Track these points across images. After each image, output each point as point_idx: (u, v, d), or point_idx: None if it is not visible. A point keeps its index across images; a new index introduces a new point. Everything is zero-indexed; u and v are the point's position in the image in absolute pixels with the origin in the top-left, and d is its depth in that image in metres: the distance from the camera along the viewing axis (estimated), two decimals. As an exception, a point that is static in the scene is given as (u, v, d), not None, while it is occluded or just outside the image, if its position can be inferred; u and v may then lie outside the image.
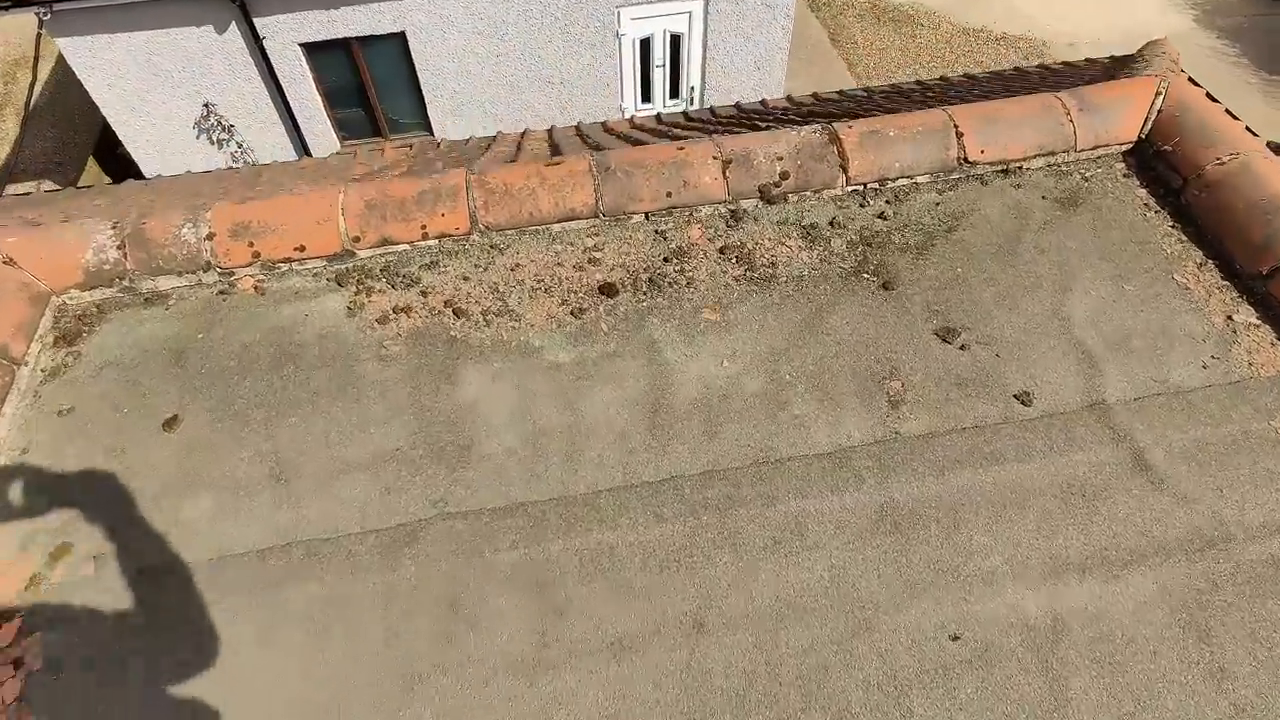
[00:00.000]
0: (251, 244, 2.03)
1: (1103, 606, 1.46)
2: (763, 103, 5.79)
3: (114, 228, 2.03)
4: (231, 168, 6.83)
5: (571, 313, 1.98)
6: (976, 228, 2.12)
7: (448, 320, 1.97)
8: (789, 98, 5.80)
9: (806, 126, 2.21)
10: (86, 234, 2.02)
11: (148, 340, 1.95)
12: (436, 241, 2.11)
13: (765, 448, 1.70)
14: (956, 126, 2.19)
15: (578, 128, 5.39)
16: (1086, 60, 5.96)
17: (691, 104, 9.85)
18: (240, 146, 8.97)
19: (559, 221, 2.13)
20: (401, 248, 2.10)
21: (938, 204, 2.18)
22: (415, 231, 2.08)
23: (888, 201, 2.19)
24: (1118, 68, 4.40)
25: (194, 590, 1.53)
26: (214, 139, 8.81)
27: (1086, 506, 1.59)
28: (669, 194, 2.13)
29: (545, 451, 1.72)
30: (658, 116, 5.72)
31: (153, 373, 1.88)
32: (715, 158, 2.14)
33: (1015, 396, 1.77)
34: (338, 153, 9.43)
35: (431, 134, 9.53)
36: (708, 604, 1.49)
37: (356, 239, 2.06)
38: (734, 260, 2.07)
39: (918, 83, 5.88)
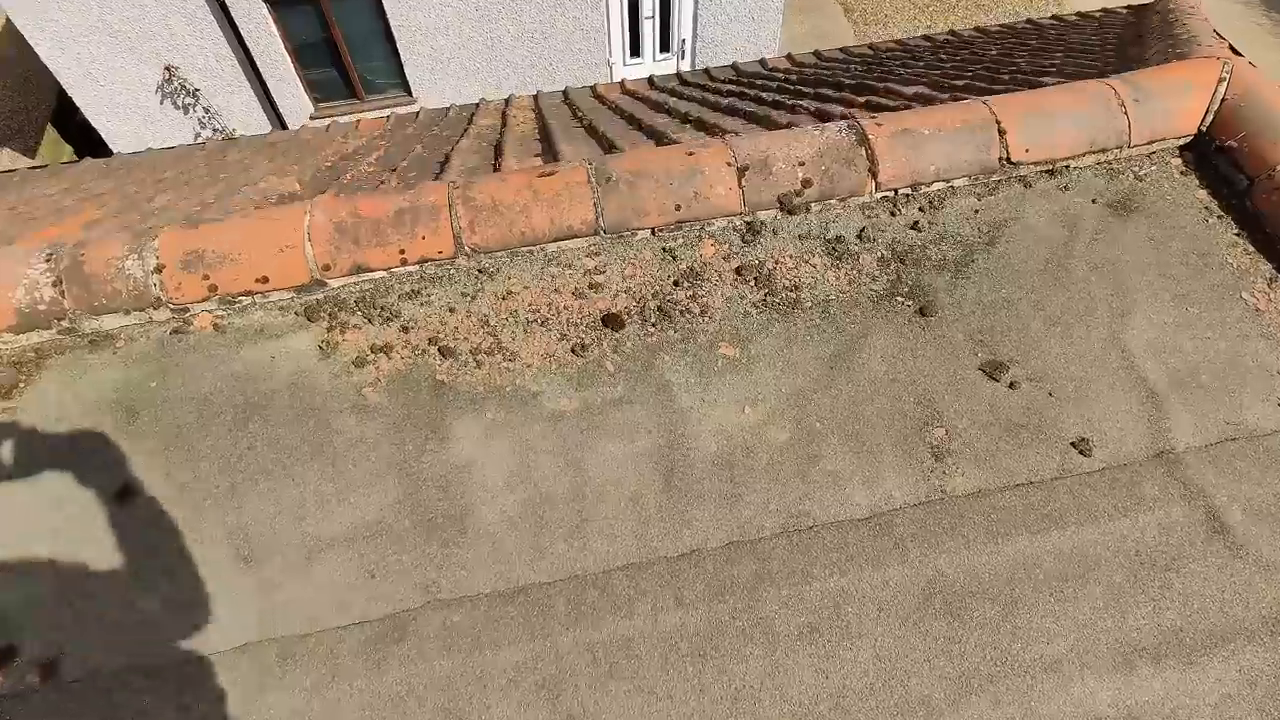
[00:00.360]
0: (206, 276, 1.79)
1: (1181, 700, 1.30)
2: (761, 63, 5.45)
3: (48, 261, 1.78)
4: (198, 143, 6.44)
5: (572, 349, 1.76)
6: (1021, 239, 1.90)
7: (433, 361, 1.76)
8: (789, 57, 5.46)
9: (831, 125, 1.96)
10: (17, 268, 1.78)
11: (94, 391, 1.72)
12: (417, 267, 1.87)
13: (796, 512, 1.52)
14: (999, 122, 1.94)
15: (565, 95, 5.05)
16: (1103, 10, 5.63)
17: (683, 58, 9.40)
18: (207, 111, 8.51)
19: (554, 241, 1.89)
20: (378, 275, 1.86)
21: (977, 211, 1.95)
22: (393, 256, 1.84)
23: (921, 209, 1.96)
24: (1140, 21, 4.10)
25: (155, 702, 1.35)
26: (178, 104, 8.34)
27: (1159, 579, 1.42)
28: (678, 207, 1.89)
29: (549, 521, 1.52)
30: (650, 79, 5.38)
31: (102, 431, 1.66)
32: (729, 164, 1.90)
33: (1073, 444, 1.58)
34: (312, 116, 8.98)
35: (409, 94, 9.07)
36: (738, 707, 1.32)
37: (326, 267, 1.82)
38: (752, 283, 1.85)
39: (925, 38, 5.54)
